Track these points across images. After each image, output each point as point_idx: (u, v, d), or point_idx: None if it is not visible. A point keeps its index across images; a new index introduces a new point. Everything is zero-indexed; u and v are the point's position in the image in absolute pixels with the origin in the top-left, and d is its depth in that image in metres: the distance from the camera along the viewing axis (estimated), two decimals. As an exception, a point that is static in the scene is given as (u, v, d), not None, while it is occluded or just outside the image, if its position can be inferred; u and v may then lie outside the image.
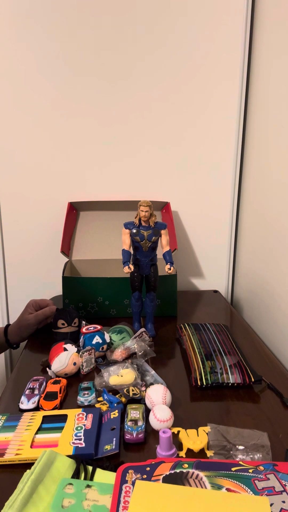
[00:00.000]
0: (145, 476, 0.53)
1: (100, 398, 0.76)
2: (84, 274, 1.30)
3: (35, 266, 1.37)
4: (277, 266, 1.08)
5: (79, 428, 0.66)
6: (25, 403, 0.74)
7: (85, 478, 0.55)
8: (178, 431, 0.65)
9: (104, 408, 0.73)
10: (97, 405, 0.74)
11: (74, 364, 0.85)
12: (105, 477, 0.56)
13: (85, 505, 0.50)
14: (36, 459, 0.57)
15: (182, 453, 0.61)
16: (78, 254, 1.30)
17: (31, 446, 0.63)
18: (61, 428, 0.66)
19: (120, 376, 0.78)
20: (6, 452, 0.62)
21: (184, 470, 0.54)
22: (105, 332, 0.93)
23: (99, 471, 0.57)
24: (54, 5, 1.20)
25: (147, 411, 0.70)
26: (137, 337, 0.93)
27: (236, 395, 0.78)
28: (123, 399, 0.74)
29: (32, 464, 0.57)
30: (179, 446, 0.63)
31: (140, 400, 0.74)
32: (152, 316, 1.04)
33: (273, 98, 1.11)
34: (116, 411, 0.70)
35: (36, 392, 0.77)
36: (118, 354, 0.88)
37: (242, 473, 0.53)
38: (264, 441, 0.62)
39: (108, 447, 0.62)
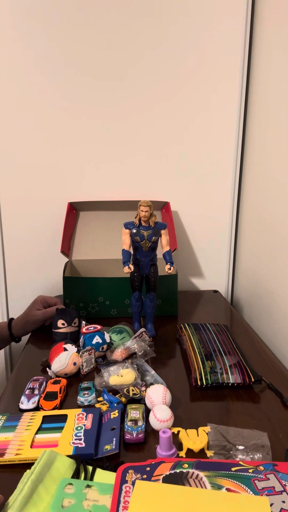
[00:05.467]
0: (145, 476, 0.53)
1: (100, 398, 0.76)
2: (84, 274, 1.30)
3: (35, 266, 1.37)
4: (277, 266, 1.08)
5: (79, 428, 0.66)
6: (25, 403, 0.74)
7: (85, 478, 0.55)
8: (178, 431, 0.65)
9: (104, 408, 0.73)
10: (97, 405, 0.74)
11: (74, 364, 0.85)
12: (105, 477, 0.56)
13: (85, 505, 0.50)
14: (36, 459, 0.57)
15: (182, 453, 0.61)
16: (78, 254, 1.30)
17: (31, 446, 0.63)
18: (61, 428, 0.66)
19: (120, 376, 0.78)
20: (6, 452, 0.62)
21: (184, 470, 0.54)
22: (105, 332, 0.93)
23: (99, 471, 0.57)
24: (54, 5, 1.20)
25: (147, 411, 0.70)
26: (137, 337, 0.93)
27: (236, 395, 0.78)
28: (123, 399, 0.74)
29: (32, 464, 0.57)
30: (179, 446, 0.63)
31: (140, 400, 0.74)
32: (152, 316, 1.04)
33: (273, 98, 1.11)
34: (116, 411, 0.70)
35: (36, 392, 0.77)
36: (118, 354, 0.88)
37: (242, 473, 0.53)
38: (264, 441, 0.62)
39: (108, 447, 0.62)
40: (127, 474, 0.54)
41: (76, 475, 0.55)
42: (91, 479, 0.55)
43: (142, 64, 1.26)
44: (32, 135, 1.28)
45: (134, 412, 0.70)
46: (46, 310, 1.04)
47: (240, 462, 0.55)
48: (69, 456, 0.59)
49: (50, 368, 0.84)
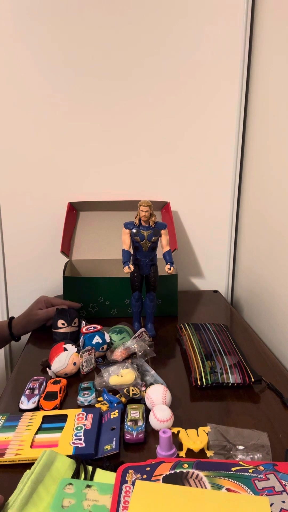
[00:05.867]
0: (145, 476, 0.53)
1: (100, 398, 0.76)
2: (84, 274, 1.30)
3: (35, 266, 1.37)
4: (277, 266, 1.08)
5: (79, 428, 0.66)
6: (25, 403, 0.74)
7: (85, 478, 0.55)
8: (178, 431, 0.65)
9: (104, 408, 0.73)
10: (97, 405, 0.74)
11: (74, 364, 0.85)
12: (105, 477, 0.56)
13: (85, 505, 0.50)
14: (36, 459, 0.57)
15: (182, 453, 0.61)
16: (78, 254, 1.30)
17: (31, 446, 0.63)
18: (61, 428, 0.66)
19: (120, 376, 0.78)
20: (6, 452, 0.62)
21: (184, 470, 0.54)
22: (105, 332, 0.93)
23: (99, 471, 0.57)
24: (54, 6, 1.20)
25: (147, 411, 0.70)
26: (137, 337, 0.93)
27: (236, 395, 0.78)
28: (123, 399, 0.74)
29: (32, 464, 0.57)
30: (179, 446, 0.63)
31: (140, 400, 0.74)
32: (152, 316, 1.04)
33: (273, 98, 1.11)
34: (116, 411, 0.70)
35: (36, 392, 0.77)
36: (118, 354, 0.88)
37: (242, 473, 0.53)
38: (264, 441, 0.62)
39: (108, 447, 0.62)
40: (127, 474, 0.54)
41: (76, 475, 0.55)
42: (91, 479, 0.55)
43: (143, 64, 1.26)
44: (32, 135, 1.28)
45: (134, 412, 0.70)
46: (48, 310, 1.04)
47: (240, 462, 0.55)
48: (69, 456, 0.59)
49: (50, 368, 0.84)
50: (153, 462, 0.56)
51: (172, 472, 0.54)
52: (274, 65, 1.09)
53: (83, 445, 0.62)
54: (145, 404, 0.72)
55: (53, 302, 1.07)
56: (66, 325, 0.97)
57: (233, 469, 0.54)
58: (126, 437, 0.65)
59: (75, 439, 0.63)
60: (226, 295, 1.46)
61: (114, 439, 0.63)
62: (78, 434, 0.64)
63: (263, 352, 0.96)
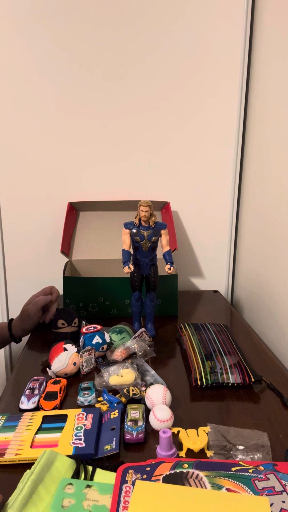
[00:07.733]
0: (145, 476, 0.53)
1: (100, 398, 0.76)
2: (84, 274, 1.30)
3: (35, 266, 1.37)
4: (277, 266, 1.08)
5: (79, 428, 0.66)
6: (25, 403, 0.74)
7: (85, 478, 0.55)
8: (178, 431, 0.65)
9: (104, 408, 0.73)
10: (97, 405, 0.74)
11: (74, 364, 0.85)
12: (105, 477, 0.56)
13: (85, 505, 0.50)
14: (36, 459, 0.57)
15: (182, 453, 0.61)
16: (78, 254, 1.30)
17: (31, 446, 0.63)
18: (61, 428, 0.66)
19: (120, 376, 0.78)
20: (6, 452, 0.62)
21: (184, 470, 0.54)
22: (105, 332, 0.93)
23: (99, 471, 0.57)
24: (54, 5, 1.20)
25: (147, 411, 0.70)
26: (137, 337, 0.93)
27: (236, 395, 0.78)
28: (123, 399, 0.74)
29: (32, 464, 0.57)
30: (179, 446, 0.63)
31: (140, 400, 0.74)
32: (152, 316, 1.04)
33: (273, 97, 1.11)
34: (116, 411, 0.70)
35: (36, 392, 0.77)
36: (118, 354, 0.88)
37: (242, 473, 0.53)
38: (264, 441, 0.62)
39: (108, 447, 0.62)
40: (127, 474, 0.54)
41: (76, 475, 0.55)
42: (91, 479, 0.55)
43: (143, 64, 1.26)
44: (32, 135, 1.28)
45: (134, 412, 0.70)
46: (36, 301, 1.01)
47: (240, 462, 0.55)
48: (69, 456, 0.59)
49: (50, 368, 0.84)
50: (153, 462, 0.56)
51: (172, 472, 0.54)
52: (274, 64, 1.09)
53: (83, 445, 0.62)
54: (145, 404, 0.72)
55: (43, 291, 1.07)
56: (66, 325, 0.97)
57: (233, 469, 0.54)
58: (126, 437, 0.65)
59: (75, 439, 0.63)
60: (226, 295, 1.46)
61: (114, 439, 0.63)
62: (78, 434, 0.64)
63: (263, 352, 0.96)
